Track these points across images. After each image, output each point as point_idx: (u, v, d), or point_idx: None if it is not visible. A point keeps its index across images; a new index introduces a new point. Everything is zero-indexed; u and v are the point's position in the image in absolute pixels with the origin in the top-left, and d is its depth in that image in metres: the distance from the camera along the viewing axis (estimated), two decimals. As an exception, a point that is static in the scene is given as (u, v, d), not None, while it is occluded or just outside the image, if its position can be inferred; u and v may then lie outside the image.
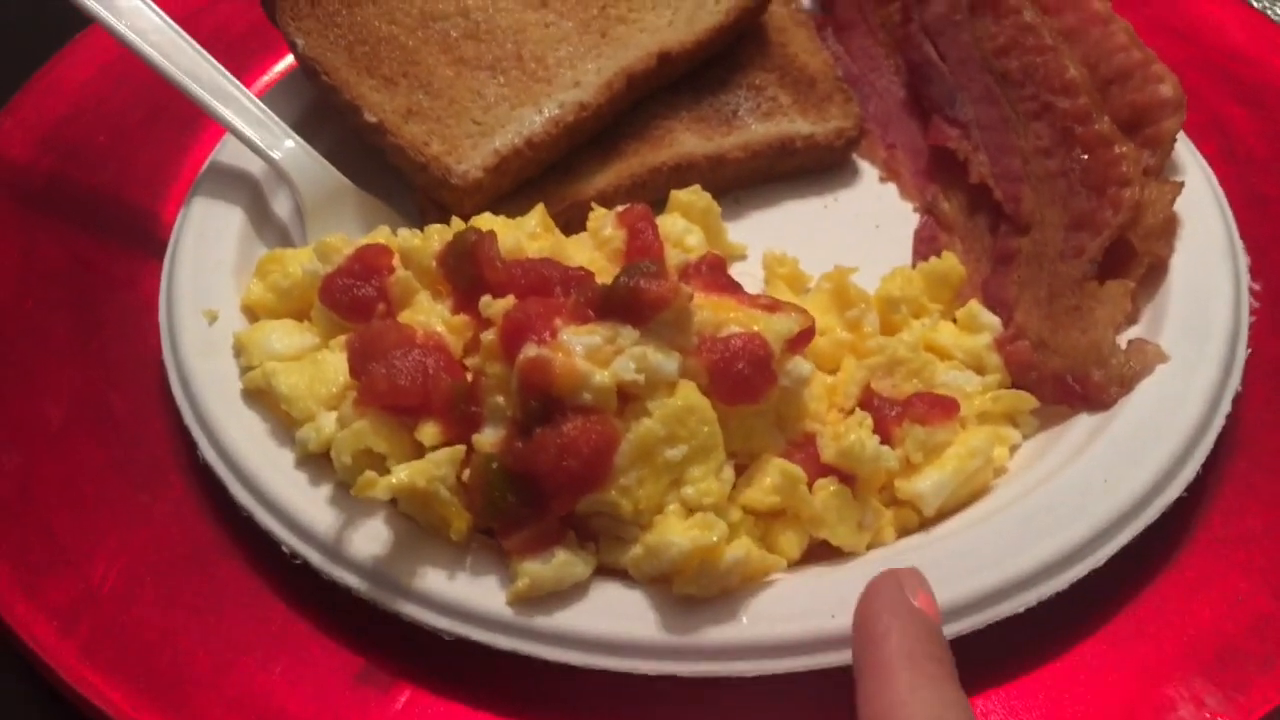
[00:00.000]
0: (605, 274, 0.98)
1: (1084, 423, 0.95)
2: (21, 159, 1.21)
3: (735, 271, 1.11)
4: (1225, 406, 0.93)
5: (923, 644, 0.64)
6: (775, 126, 1.20)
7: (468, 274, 0.94)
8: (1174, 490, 0.88)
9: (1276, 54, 1.27)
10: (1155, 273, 1.02)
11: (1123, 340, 1.00)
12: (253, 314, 1.03)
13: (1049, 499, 0.88)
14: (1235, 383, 0.95)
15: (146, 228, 1.17)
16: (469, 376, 0.90)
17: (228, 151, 1.14)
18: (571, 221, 1.11)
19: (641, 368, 0.85)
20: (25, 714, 0.89)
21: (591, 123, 1.15)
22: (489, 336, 0.88)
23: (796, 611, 0.82)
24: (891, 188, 1.22)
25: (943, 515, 0.91)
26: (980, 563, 0.84)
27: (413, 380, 0.87)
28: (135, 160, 1.23)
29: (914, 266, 1.12)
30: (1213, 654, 0.84)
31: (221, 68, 1.13)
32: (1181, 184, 1.05)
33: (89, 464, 0.97)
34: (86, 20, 1.11)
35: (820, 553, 0.89)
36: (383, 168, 1.15)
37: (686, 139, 1.19)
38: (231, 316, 1.02)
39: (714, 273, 0.99)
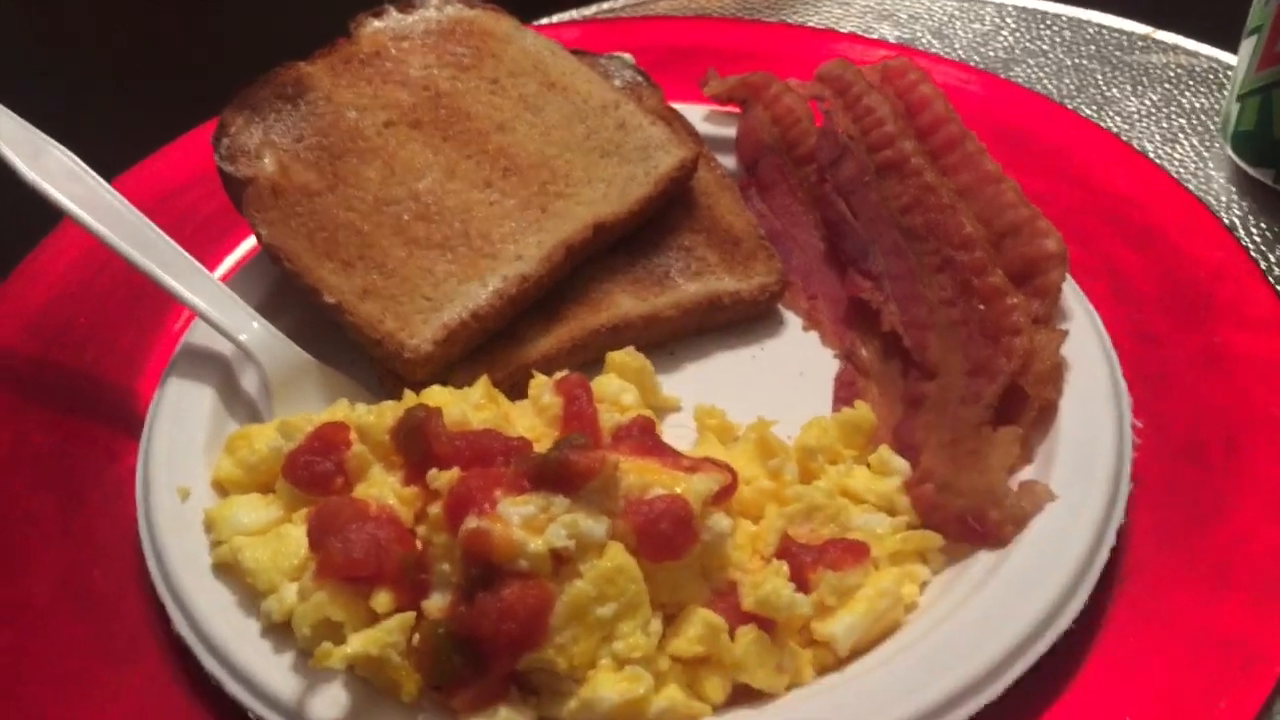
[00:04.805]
0: (546, 439, 1.07)
1: (984, 559, 1.04)
2: (9, 345, 1.31)
3: (670, 422, 1.22)
4: (1109, 540, 1.02)
5: None
6: (704, 285, 1.30)
7: (417, 448, 1.03)
8: (1063, 622, 0.97)
9: (1163, 197, 1.38)
10: (1046, 415, 1.12)
11: (1023, 477, 1.09)
12: (222, 489, 1.12)
13: (949, 636, 0.96)
14: (1119, 517, 1.04)
15: (127, 405, 1.26)
16: (419, 545, 0.99)
17: (199, 333, 1.24)
18: (518, 384, 1.21)
19: (572, 534, 0.94)
20: None
21: (534, 292, 1.25)
22: (435, 509, 0.97)
23: (719, 755, 0.90)
24: (814, 335, 1.32)
25: (858, 652, 0.99)
26: (887, 700, 0.92)
27: (366, 553, 0.96)
28: (116, 342, 1.33)
29: (834, 410, 1.21)
30: (1104, 775, 0.92)
31: (189, 256, 1.24)
32: (1066, 332, 1.15)
33: (71, 640, 1.05)
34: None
35: (744, 694, 0.96)
36: (343, 340, 1.25)
37: (623, 300, 1.29)
38: (203, 491, 1.11)
39: (644, 435, 1.08)
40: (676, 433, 1.18)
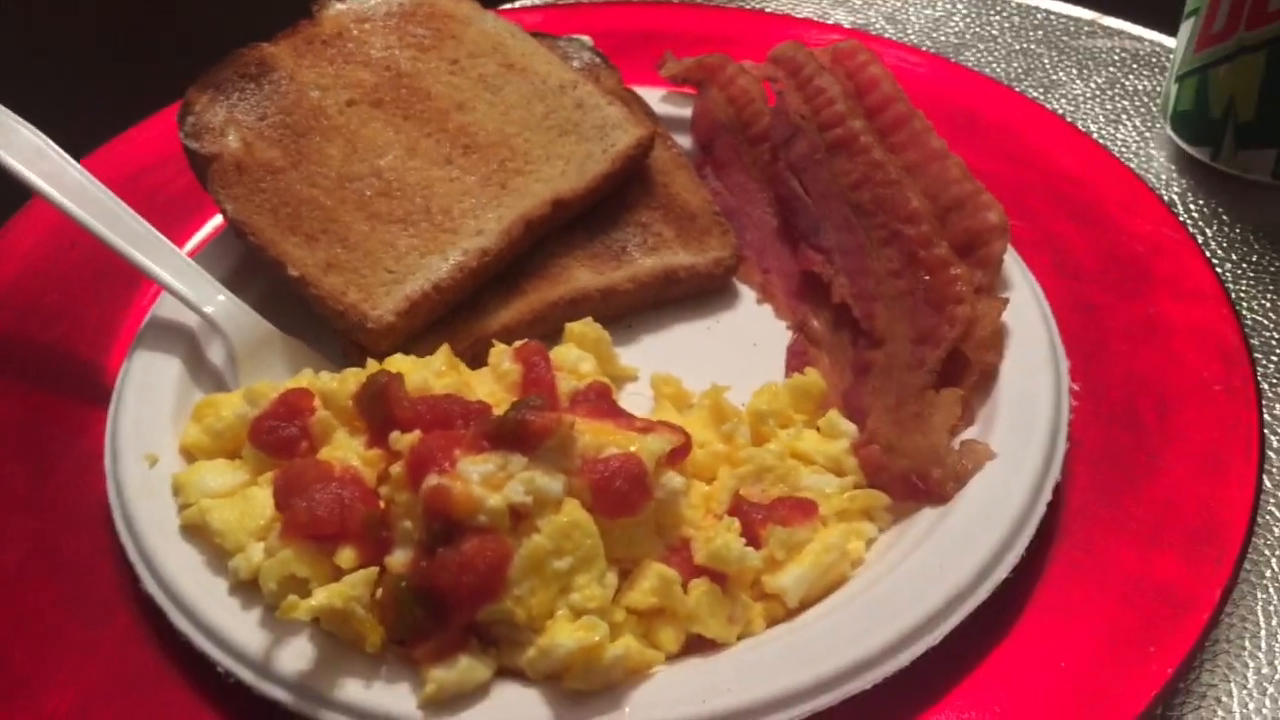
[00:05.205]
0: (504, 404, 1.10)
1: (927, 515, 1.08)
2: (-22, 320, 1.34)
3: (628, 392, 1.25)
4: (1046, 495, 1.06)
5: None
6: (660, 259, 1.34)
7: (380, 412, 1.06)
8: (1001, 572, 1.01)
9: (1102, 173, 1.43)
10: (987, 379, 1.16)
11: (965, 438, 1.14)
12: (190, 455, 1.14)
13: (892, 586, 1.00)
14: (1055, 474, 1.08)
15: (94, 378, 1.29)
16: (382, 505, 1.02)
17: (166, 306, 1.27)
18: (479, 355, 1.24)
19: (530, 490, 0.97)
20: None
21: (494, 265, 1.29)
22: (397, 469, 1.01)
23: (672, 698, 0.94)
24: (767, 308, 1.36)
25: (806, 605, 1.03)
26: (833, 646, 0.96)
27: (330, 511, 0.99)
28: (84, 316, 1.35)
29: (786, 378, 1.25)
30: (1038, 713, 0.96)
31: (156, 231, 1.26)
32: (1007, 300, 1.19)
33: (43, 601, 1.07)
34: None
35: (697, 644, 1.00)
36: (308, 313, 1.28)
37: (581, 274, 1.32)
38: (170, 459, 1.14)
39: (599, 399, 1.12)
40: (634, 401, 1.21)
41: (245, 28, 1.45)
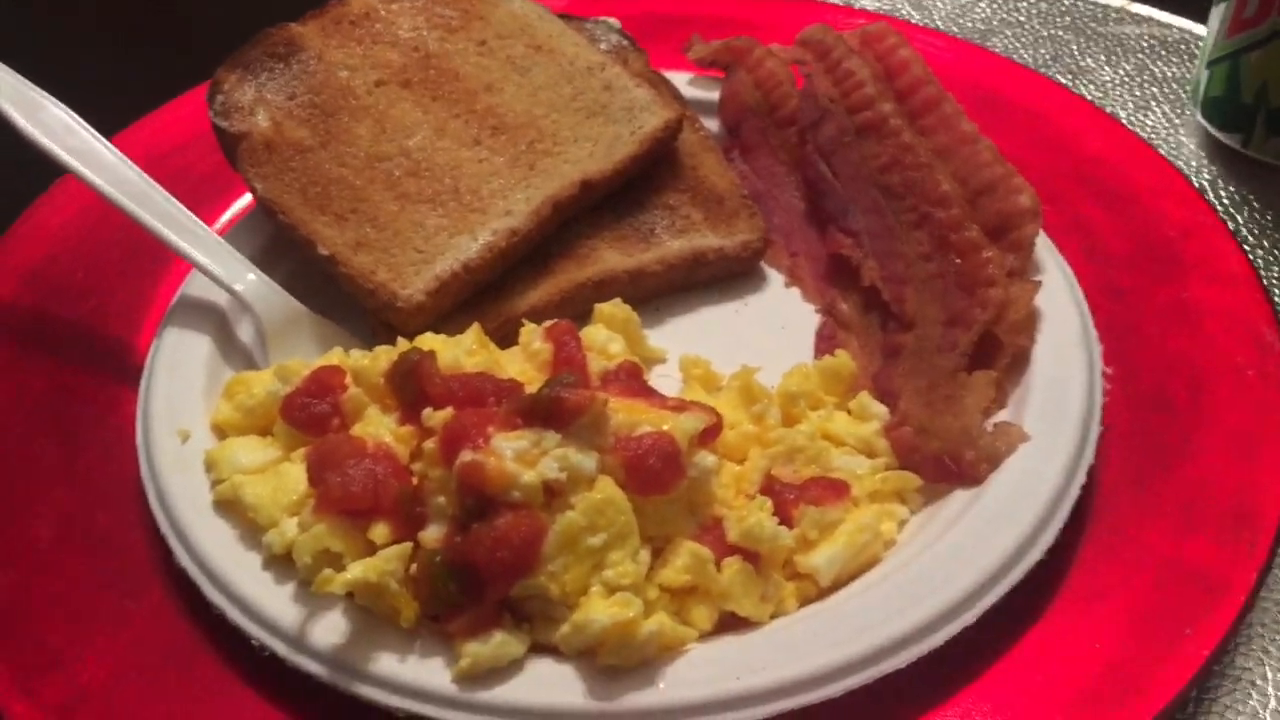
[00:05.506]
0: (535, 383, 1.10)
1: (960, 497, 1.08)
2: (8, 298, 1.34)
3: (656, 373, 1.25)
4: (1080, 478, 1.06)
5: None
6: (689, 241, 1.34)
7: (412, 390, 1.06)
8: (1035, 554, 1.01)
9: (1132, 158, 1.43)
10: (1020, 362, 1.16)
11: (998, 421, 1.13)
12: (221, 432, 1.15)
13: (926, 567, 1.00)
14: (1089, 457, 1.08)
15: (124, 356, 1.29)
16: (415, 481, 1.02)
17: (196, 284, 1.27)
18: (508, 335, 1.24)
19: (564, 467, 0.97)
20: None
21: (522, 246, 1.28)
22: (431, 445, 1.01)
23: (706, 676, 0.94)
24: (795, 291, 1.35)
25: (839, 585, 1.03)
26: (866, 625, 0.96)
27: (364, 487, 0.99)
28: (113, 294, 1.35)
29: (815, 360, 1.25)
30: (1071, 696, 0.96)
31: (186, 210, 1.27)
32: (1039, 283, 1.19)
33: (76, 576, 1.08)
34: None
35: (730, 623, 1.00)
36: (337, 292, 1.28)
37: (609, 256, 1.32)
38: (202, 435, 1.14)
39: (630, 379, 1.12)
40: (663, 382, 1.21)
41: (243, 27, 1.44)
